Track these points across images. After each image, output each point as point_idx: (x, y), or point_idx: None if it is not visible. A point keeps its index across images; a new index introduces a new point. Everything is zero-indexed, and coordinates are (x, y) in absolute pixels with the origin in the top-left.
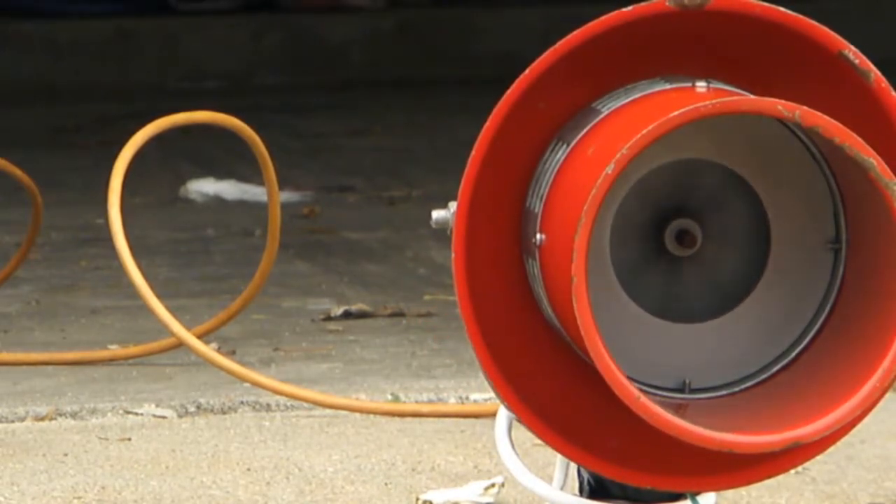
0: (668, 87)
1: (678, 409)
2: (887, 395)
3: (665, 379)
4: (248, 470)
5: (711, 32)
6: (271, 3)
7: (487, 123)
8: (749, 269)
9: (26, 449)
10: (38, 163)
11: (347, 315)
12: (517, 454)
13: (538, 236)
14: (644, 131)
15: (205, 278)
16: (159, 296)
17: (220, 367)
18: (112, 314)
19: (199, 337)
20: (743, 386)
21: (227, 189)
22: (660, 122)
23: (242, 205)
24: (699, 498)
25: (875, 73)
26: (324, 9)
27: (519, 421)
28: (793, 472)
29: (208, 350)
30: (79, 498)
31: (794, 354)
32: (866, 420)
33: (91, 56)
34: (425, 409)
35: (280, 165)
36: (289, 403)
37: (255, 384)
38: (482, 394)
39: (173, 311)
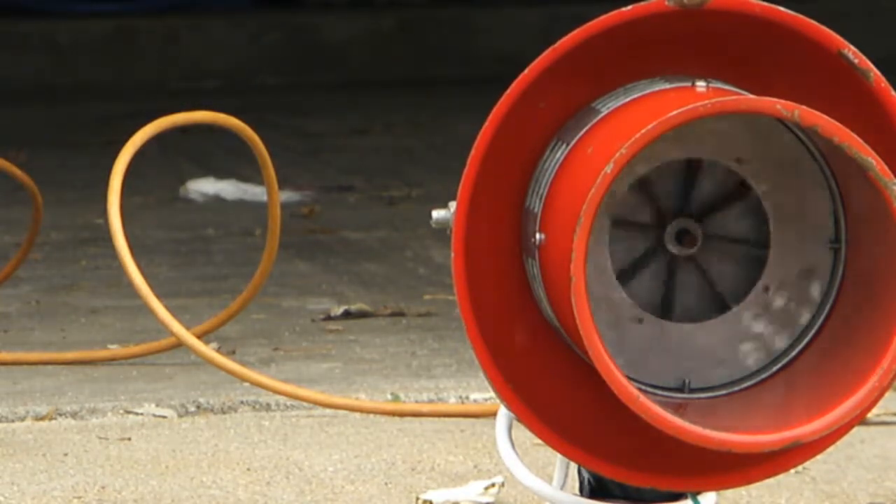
0: (667, 86)
1: (678, 408)
2: (887, 395)
3: (665, 379)
4: (248, 470)
5: (711, 32)
6: None
7: (487, 123)
8: (749, 268)
9: (26, 449)
10: (38, 163)
11: (347, 315)
12: (517, 454)
13: (538, 236)
14: (643, 131)
15: (205, 278)
16: (159, 296)
17: (220, 367)
18: (112, 314)
19: (199, 337)
20: (743, 386)
21: (227, 189)
22: (658, 122)
23: (242, 205)
24: (699, 498)
25: (875, 72)
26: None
27: (519, 421)
28: (793, 471)
29: (208, 350)
30: (79, 498)
31: (793, 354)
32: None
33: (91, 56)
34: (425, 408)
35: (280, 165)
36: (289, 403)
37: (255, 384)
38: (482, 394)
39: (173, 311)
